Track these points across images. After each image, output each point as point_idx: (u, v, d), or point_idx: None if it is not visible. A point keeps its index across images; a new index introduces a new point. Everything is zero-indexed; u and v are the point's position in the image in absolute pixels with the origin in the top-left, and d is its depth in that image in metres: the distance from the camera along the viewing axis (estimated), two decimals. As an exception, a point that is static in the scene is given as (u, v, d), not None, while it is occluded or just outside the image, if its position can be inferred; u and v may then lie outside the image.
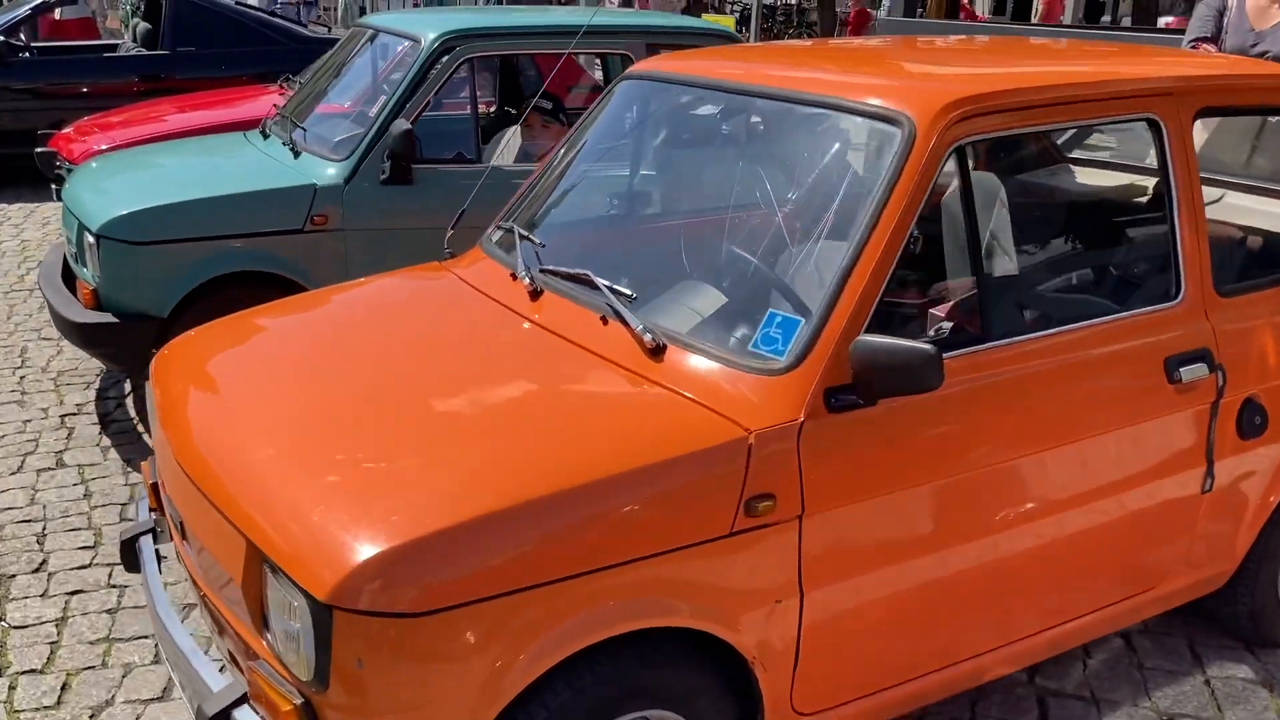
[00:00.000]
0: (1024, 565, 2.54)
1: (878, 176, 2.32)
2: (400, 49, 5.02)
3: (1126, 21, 18.48)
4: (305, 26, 10.26)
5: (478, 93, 5.31)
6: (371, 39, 5.26)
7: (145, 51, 9.16)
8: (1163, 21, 15.24)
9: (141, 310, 4.23)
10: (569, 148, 3.25)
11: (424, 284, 3.06)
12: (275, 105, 5.40)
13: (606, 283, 2.53)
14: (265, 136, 5.03)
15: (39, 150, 6.87)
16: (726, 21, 14.30)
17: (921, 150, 2.30)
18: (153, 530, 2.73)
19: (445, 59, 4.53)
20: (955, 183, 2.41)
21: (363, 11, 20.50)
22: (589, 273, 2.59)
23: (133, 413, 4.78)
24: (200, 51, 9.01)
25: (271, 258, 4.35)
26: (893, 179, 2.30)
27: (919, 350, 2.06)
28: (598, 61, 8.21)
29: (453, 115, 5.35)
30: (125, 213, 4.21)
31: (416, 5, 23.04)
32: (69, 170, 6.46)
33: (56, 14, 11.37)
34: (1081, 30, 10.42)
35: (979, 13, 17.99)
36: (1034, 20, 15.47)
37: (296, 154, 4.63)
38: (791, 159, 2.68)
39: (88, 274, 4.33)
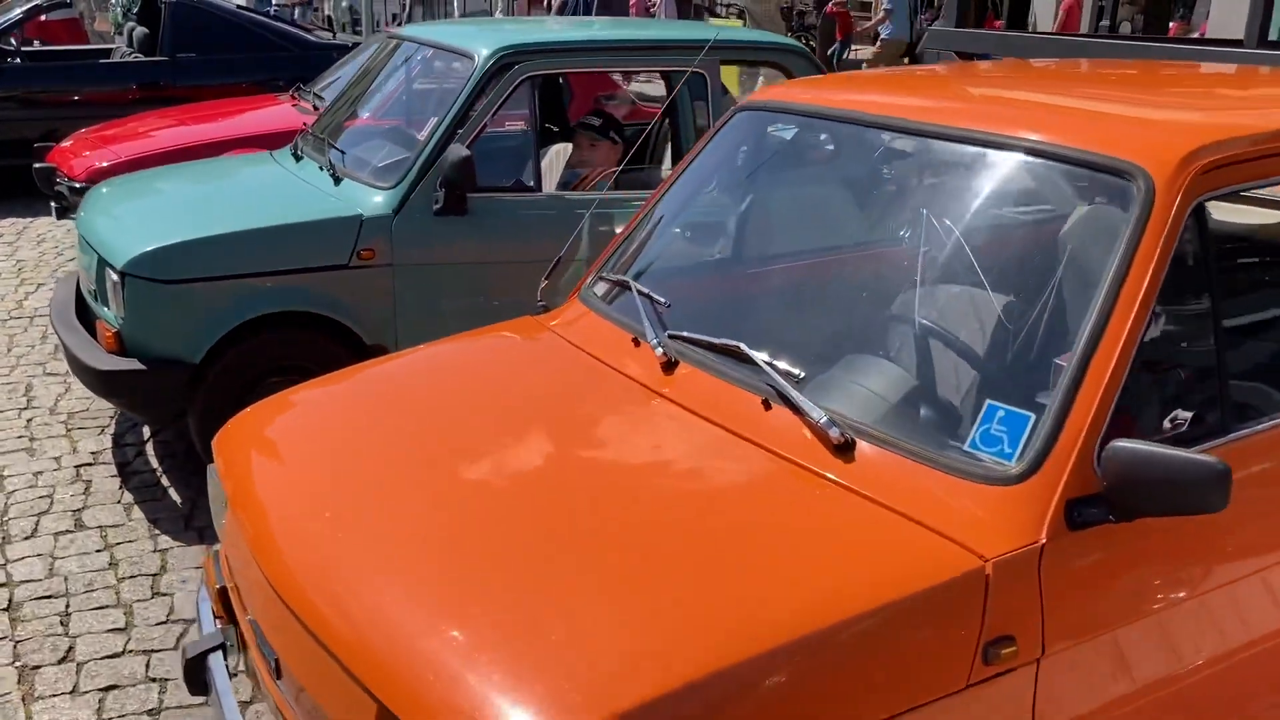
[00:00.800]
0: (1264, 683, 2.17)
1: (1113, 242, 1.94)
2: (441, 62, 4.63)
3: (1124, 28, 18.18)
4: (310, 32, 9.83)
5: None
6: (410, 53, 4.84)
7: (143, 57, 8.72)
8: None
9: (171, 355, 3.80)
10: (679, 187, 2.85)
11: (524, 347, 2.66)
12: (305, 124, 4.98)
13: (766, 358, 2.15)
14: (297, 158, 4.60)
15: (37, 165, 6.44)
16: (733, 24, 13.93)
17: (1164, 210, 1.93)
18: (222, 645, 2.32)
19: (502, 77, 4.11)
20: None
21: (354, 14, 20.03)
22: (741, 345, 2.21)
23: (154, 462, 4.36)
24: (201, 58, 8.57)
25: (314, 296, 3.92)
26: (1132, 246, 1.91)
27: (1207, 466, 1.68)
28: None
29: (506, 135, 4.93)
30: (154, 248, 3.77)
31: (403, 6, 22.55)
32: (70, 187, 6.02)
33: (42, 16, 10.87)
34: (1112, 41, 10.06)
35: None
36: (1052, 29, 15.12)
37: (337, 180, 4.20)
38: (980, 212, 2.28)
39: (109, 315, 3.90)
